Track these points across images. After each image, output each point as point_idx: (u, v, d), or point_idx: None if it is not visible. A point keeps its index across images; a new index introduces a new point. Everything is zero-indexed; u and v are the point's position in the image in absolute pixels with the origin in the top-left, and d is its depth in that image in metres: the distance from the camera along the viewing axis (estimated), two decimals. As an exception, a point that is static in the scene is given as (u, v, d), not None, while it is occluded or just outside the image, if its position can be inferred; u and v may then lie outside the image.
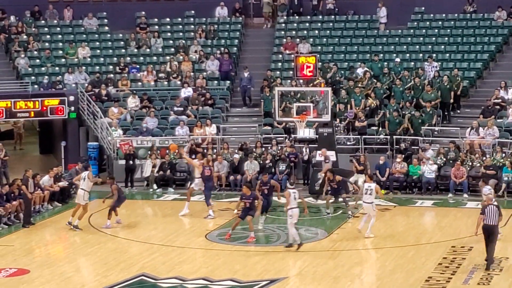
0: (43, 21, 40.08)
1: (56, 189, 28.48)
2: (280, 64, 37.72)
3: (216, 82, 36.98)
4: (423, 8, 39.36)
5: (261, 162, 31.04)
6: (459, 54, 36.95)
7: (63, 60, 37.77)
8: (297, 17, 40.24)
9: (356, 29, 39.18)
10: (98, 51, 38.61)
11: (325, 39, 38.81)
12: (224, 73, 37.14)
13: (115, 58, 37.95)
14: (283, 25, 39.90)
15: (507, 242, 22.55)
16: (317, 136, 31.62)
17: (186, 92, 35.63)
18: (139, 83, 36.68)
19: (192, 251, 22.99)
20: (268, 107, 34.07)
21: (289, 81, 35.72)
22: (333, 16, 39.99)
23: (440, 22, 38.61)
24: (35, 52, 37.77)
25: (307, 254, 22.20)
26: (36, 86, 35.58)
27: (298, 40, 38.29)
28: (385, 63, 36.19)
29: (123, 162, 31.83)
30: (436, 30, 38.21)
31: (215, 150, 32.33)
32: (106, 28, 39.97)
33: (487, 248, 20.58)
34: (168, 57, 37.85)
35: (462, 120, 33.41)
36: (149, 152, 32.07)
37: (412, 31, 38.44)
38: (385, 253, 22.60)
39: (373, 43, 38.26)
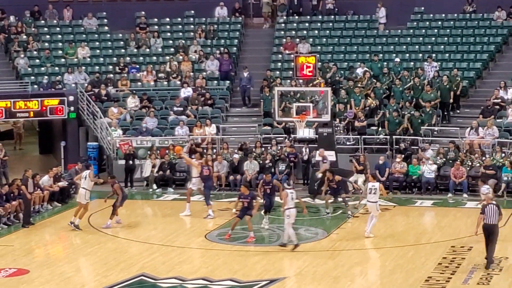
0: (42, 21, 40.08)
1: (55, 189, 28.48)
2: (279, 64, 37.72)
3: (215, 82, 36.98)
4: (422, 8, 39.35)
5: (261, 162, 31.05)
6: (458, 54, 36.95)
7: (63, 60, 37.76)
8: (296, 17, 40.23)
9: (356, 29, 39.18)
10: (98, 51, 38.60)
11: (324, 39, 38.81)
12: (224, 73, 37.14)
13: (115, 58, 37.94)
14: (283, 25, 39.90)
15: (507, 242, 22.55)
16: (317, 136, 31.62)
17: (186, 92, 35.63)
18: (139, 83, 36.68)
19: (192, 251, 23.00)
20: (268, 107, 34.07)
21: (288, 81, 35.72)
22: (332, 16, 39.99)
23: (439, 22, 38.61)
24: (35, 52, 37.77)
25: (307, 254, 22.20)
26: (35, 86, 35.57)
27: (297, 40, 38.29)
28: (385, 63, 36.19)
29: (122, 162, 31.83)
30: (436, 30, 38.21)
31: (214, 150, 32.34)
32: (106, 28, 39.97)
33: (487, 248, 20.59)
34: (167, 57, 37.85)
35: (461, 120, 33.42)
36: (148, 152, 32.07)
37: (411, 31, 38.44)
38: (385, 253, 22.61)
39: (373, 43, 38.26)
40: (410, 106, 32.94)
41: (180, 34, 39.77)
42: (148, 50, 38.48)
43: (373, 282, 20.14)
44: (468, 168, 29.71)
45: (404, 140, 31.68)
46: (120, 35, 39.50)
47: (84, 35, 39.34)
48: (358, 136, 32.18)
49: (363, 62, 36.18)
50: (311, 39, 38.50)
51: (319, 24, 39.68)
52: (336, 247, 22.96)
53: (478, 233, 20.69)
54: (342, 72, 36.24)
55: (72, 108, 34.25)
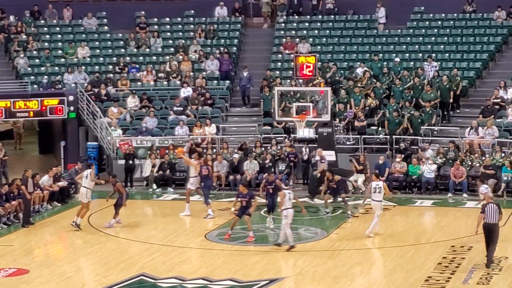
0: (42, 21, 40.07)
1: (55, 189, 28.48)
2: (279, 64, 37.72)
3: (215, 82, 36.98)
4: (422, 8, 39.35)
5: (261, 162, 31.05)
6: (458, 54, 36.95)
7: (63, 60, 37.76)
8: (296, 17, 40.23)
9: (356, 29, 39.17)
10: (98, 51, 38.60)
11: (324, 39, 38.81)
12: (224, 73, 37.14)
13: (115, 58, 37.94)
14: (283, 25, 39.90)
15: (507, 242, 22.55)
16: (317, 136, 31.62)
17: (186, 92, 35.63)
18: (139, 83, 36.67)
19: (192, 251, 23.00)
20: (268, 107, 34.07)
21: (288, 81, 35.72)
22: (332, 16, 39.99)
23: (439, 22, 38.61)
24: (35, 52, 37.77)
25: (306, 254, 22.20)
26: (35, 86, 35.57)
27: (297, 40, 38.29)
28: (385, 63, 36.18)
29: (122, 162, 31.84)
30: (436, 30, 38.21)
31: (214, 150, 32.34)
32: (106, 28, 39.97)
33: (488, 247, 20.58)
34: (167, 57, 37.84)
35: (461, 120, 33.42)
36: (148, 152, 32.07)
37: (411, 31, 38.44)
38: (384, 253, 22.62)
39: (373, 42, 38.26)
40: (410, 106, 32.94)
41: (180, 34, 39.77)
42: (148, 50, 38.48)
43: (373, 282, 20.13)
44: (468, 168, 29.71)
45: (404, 140, 31.68)
46: (120, 35, 39.49)
47: (84, 35, 39.34)
48: (358, 136, 32.18)
49: (363, 62, 36.19)
50: (311, 39, 38.50)
51: (319, 24, 39.68)
52: (336, 247, 22.96)
53: (478, 233, 20.70)
54: (342, 72, 36.24)
55: (72, 108, 34.25)
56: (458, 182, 29.43)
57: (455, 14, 38.75)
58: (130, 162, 31.55)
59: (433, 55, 36.30)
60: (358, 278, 20.33)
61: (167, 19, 40.28)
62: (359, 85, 34.28)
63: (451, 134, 32.06)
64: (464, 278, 19.81)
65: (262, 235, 24.12)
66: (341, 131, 32.82)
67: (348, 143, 32.60)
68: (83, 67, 36.96)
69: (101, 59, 38.08)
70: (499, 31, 37.50)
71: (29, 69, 36.79)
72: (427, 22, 38.70)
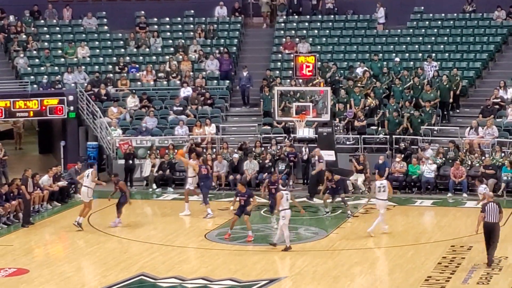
0: (42, 21, 40.07)
1: (55, 188, 28.48)
2: (279, 63, 37.72)
3: (215, 81, 36.98)
4: (422, 7, 39.35)
5: (261, 161, 31.05)
6: (458, 53, 36.96)
7: (62, 59, 37.76)
8: (296, 16, 40.24)
9: (356, 28, 39.18)
10: (98, 50, 38.60)
11: (324, 39, 38.82)
12: (224, 73, 37.14)
13: (115, 58, 37.94)
14: (283, 24, 39.90)
15: (507, 242, 22.54)
16: (317, 135, 31.61)
17: (186, 91, 35.63)
18: (139, 83, 36.67)
19: (192, 251, 22.99)
20: (268, 107, 34.06)
21: (288, 80, 35.73)
22: (332, 16, 39.99)
23: (439, 22, 38.62)
24: (34, 52, 37.76)
25: (306, 254, 22.20)
26: (35, 85, 35.56)
27: (297, 39, 38.29)
28: (385, 62, 36.19)
29: (122, 161, 31.84)
30: (436, 30, 38.22)
31: (214, 150, 32.34)
32: (106, 27, 39.96)
33: (488, 246, 20.57)
34: (167, 57, 37.85)
35: (461, 119, 33.43)
36: (148, 151, 32.08)
37: (411, 30, 38.45)
38: (384, 253, 22.63)
39: (373, 42, 38.26)
40: (410, 105, 32.94)
41: (180, 33, 39.77)
42: (147, 49, 38.48)
43: (372, 282, 20.13)
44: (467, 168, 29.71)
45: (404, 140, 31.68)
46: (120, 34, 39.49)
47: (83, 35, 39.33)
48: (358, 136, 32.18)
49: (363, 62, 36.19)
50: (310, 39, 38.50)
51: (318, 24, 39.68)
52: (336, 247, 22.96)
53: (478, 232, 20.70)
54: (341, 71, 36.24)
55: (71, 108, 34.25)
56: (458, 182, 29.43)
57: (455, 14, 38.76)
58: (130, 162, 31.55)
59: (433, 55, 36.31)
60: (358, 278, 20.33)
61: (167, 19, 40.28)
62: (359, 85, 34.28)
63: (451, 134, 32.06)
64: (464, 278, 19.81)
65: (262, 235, 24.10)
66: (341, 131, 32.82)
67: (348, 143, 32.61)
68: (83, 67, 36.96)
69: (101, 59, 38.08)
70: (499, 31, 37.51)
71: (29, 69, 36.79)
72: (427, 22, 38.71)
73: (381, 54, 37.04)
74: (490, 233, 20.49)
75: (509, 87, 33.80)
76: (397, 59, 36.30)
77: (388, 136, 32.00)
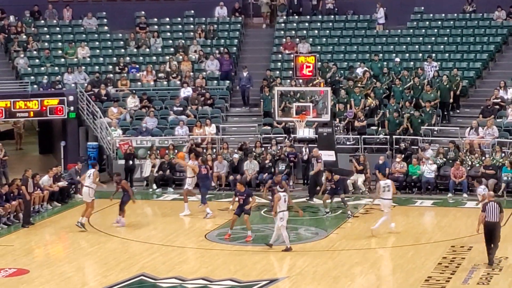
0: (42, 21, 40.07)
1: (55, 189, 28.48)
2: (279, 64, 37.72)
3: (215, 82, 36.98)
4: (422, 8, 39.36)
5: (261, 162, 31.04)
6: (458, 54, 36.96)
7: (63, 60, 37.76)
8: (296, 17, 40.25)
9: (356, 29, 39.19)
10: (98, 51, 38.60)
11: (324, 39, 38.82)
12: (224, 73, 37.15)
13: (115, 58, 37.95)
14: (283, 25, 39.91)
15: (507, 242, 22.51)
16: (317, 136, 31.62)
17: (186, 92, 35.63)
18: (139, 83, 36.67)
19: (192, 251, 22.99)
20: (268, 107, 34.07)
21: (288, 81, 35.73)
22: (332, 16, 40.00)
23: (439, 22, 38.62)
24: (35, 52, 37.77)
25: (306, 254, 22.20)
26: (35, 86, 35.57)
27: (297, 40, 38.29)
28: (385, 63, 36.20)
29: (122, 162, 31.84)
30: (436, 30, 38.22)
31: (214, 150, 32.34)
32: (106, 28, 39.97)
33: (488, 246, 20.57)
34: (167, 57, 37.85)
35: (461, 120, 33.43)
36: (148, 152, 32.08)
37: (411, 31, 38.45)
38: (384, 253, 22.63)
39: (373, 43, 38.27)
40: (410, 106, 32.93)
41: (180, 34, 39.78)
42: (148, 50, 38.49)
43: (373, 282, 20.13)
44: (468, 168, 29.71)
45: (404, 140, 31.67)
46: (120, 35, 39.50)
47: (84, 35, 39.34)
48: (358, 136, 32.17)
49: (363, 62, 36.19)
50: (311, 39, 38.51)
51: (319, 24, 39.69)
52: (336, 247, 22.96)
53: (479, 231, 20.72)
54: (342, 72, 36.24)
55: (72, 108, 34.25)
56: (458, 182, 29.43)
57: (455, 14, 38.76)
58: (130, 162, 31.55)
59: (433, 55, 36.30)
60: (358, 278, 20.33)
61: (167, 19, 40.29)
62: (359, 85, 34.28)
63: (451, 134, 32.06)
64: (464, 278, 19.81)
65: (263, 235, 24.09)
66: (341, 131, 32.82)
67: (348, 143, 32.60)
68: (83, 67, 36.97)
69: (101, 59, 38.08)
70: (499, 31, 37.51)
71: (29, 69, 36.80)
72: (427, 22, 38.71)
73: (381, 54, 37.05)
74: (491, 233, 20.50)
75: (509, 87, 33.80)
76: (397, 59, 36.31)
77: (388, 136, 32.00)
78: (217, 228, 25.17)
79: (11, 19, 39.43)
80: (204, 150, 31.82)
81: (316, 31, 39.26)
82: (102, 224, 25.54)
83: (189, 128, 33.37)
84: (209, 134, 33.01)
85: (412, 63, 36.51)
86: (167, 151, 32.01)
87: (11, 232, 25.27)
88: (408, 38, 38.09)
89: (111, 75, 36.75)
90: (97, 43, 39.00)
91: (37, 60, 37.45)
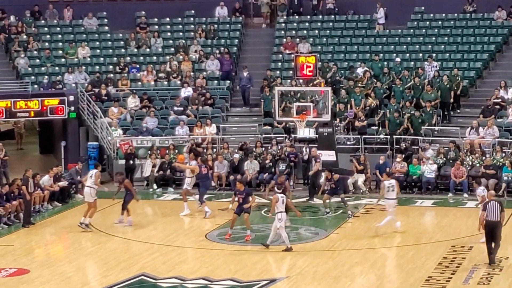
0: (43, 21, 40.09)
1: (56, 189, 28.48)
2: (280, 63, 37.73)
3: (216, 82, 36.99)
4: (423, 8, 39.37)
5: (261, 162, 31.04)
6: (459, 53, 36.96)
7: (63, 60, 37.78)
8: (297, 17, 40.27)
9: (356, 28, 39.20)
10: (98, 51, 38.61)
11: (325, 39, 38.83)
12: (225, 73, 37.16)
13: (115, 58, 37.95)
14: (283, 25, 39.92)
15: (507, 242, 22.49)
16: (317, 135, 31.62)
17: (186, 92, 35.63)
18: (139, 83, 36.68)
19: (192, 251, 22.99)
20: (268, 107, 34.07)
21: (289, 80, 35.73)
22: (333, 16, 40.01)
23: (440, 22, 38.63)
24: (35, 52, 37.78)
25: (307, 254, 22.20)
26: (36, 86, 35.58)
27: (298, 40, 38.31)
28: (385, 62, 36.20)
29: (123, 162, 31.84)
30: (436, 30, 38.22)
31: (215, 150, 32.34)
32: (106, 28, 39.99)
33: (489, 245, 20.56)
34: (168, 57, 37.87)
35: (462, 119, 33.42)
36: (149, 152, 32.08)
37: (412, 30, 38.46)
38: (385, 253, 22.62)
39: (373, 42, 38.28)
40: (411, 106, 32.93)
41: (181, 34, 39.79)
42: (148, 50, 38.50)
43: (373, 282, 20.12)
44: (468, 168, 29.70)
45: (405, 140, 31.67)
46: (121, 35, 39.51)
47: (84, 35, 39.35)
48: (359, 136, 32.17)
49: (364, 62, 36.19)
50: (311, 39, 38.52)
51: (319, 24, 39.70)
52: (336, 247, 22.96)
53: (481, 230, 20.73)
54: (342, 71, 36.25)
55: (72, 108, 34.26)
56: (458, 182, 29.43)
57: (456, 14, 38.78)
58: (131, 162, 31.56)
59: (434, 55, 36.31)
60: (358, 278, 20.33)
61: (168, 19, 40.31)
62: (359, 85, 34.28)
63: (452, 134, 32.05)
64: (464, 278, 19.80)
65: (263, 235, 24.07)
66: (342, 131, 32.82)
67: (348, 143, 32.60)
68: (84, 67, 36.97)
69: (102, 59, 38.09)
70: (499, 31, 37.52)
71: (30, 69, 36.80)
72: (428, 22, 38.72)
73: (381, 54, 37.06)
74: (492, 232, 20.50)
75: (510, 87, 33.80)
76: (398, 59, 36.31)
77: (388, 136, 31.99)
78: (217, 228, 25.16)
79: (11, 19, 39.44)
80: (205, 150, 31.83)
81: (316, 31, 39.27)
82: (102, 224, 25.53)
83: (190, 128, 33.37)
84: (210, 134, 33.02)
85: (412, 63, 36.52)
86: (167, 151, 32.01)
87: (12, 232, 25.27)
88: (409, 38, 38.10)
89: (112, 75, 36.76)
90: (97, 43, 39.02)
91: (37, 60, 37.46)
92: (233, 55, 38.22)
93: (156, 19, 40.19)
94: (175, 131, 33.44)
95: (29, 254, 22.76)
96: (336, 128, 32.24)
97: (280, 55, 38.06)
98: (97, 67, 37.57)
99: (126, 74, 36.85)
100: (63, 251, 23.71)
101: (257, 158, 31.20)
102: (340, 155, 30.86)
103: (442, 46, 37.45)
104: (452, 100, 33.71)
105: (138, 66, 37.39)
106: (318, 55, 35.56)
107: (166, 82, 36.71)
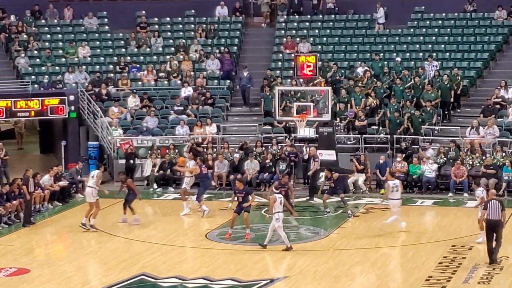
0: (43, 21, 40.09)
1: (56, 188, 28.49)
2: (280, 63, 37.73)
3: (216, 81, 37.00)
4: (423, 7, 39.37)
5: (261, 161, 31.04)
6: (459, 53, 36.96)
7: (63, 59, 37.77)
8: (297, 16, 40.27)
9: (356, 28, 39.20)
10: (98, 50, 38.62)
11: (325, 39, 38.83)
12: (225, 73, 37.16)
13: (115, 58, 37.95)
14: (283, 24, 39.92)
15: (507, 242, 22.49)
16: (317, 135, 31.61)
17: (186, 91, 35.63)
18: (139, 83, 36.68)
19: (192, 251, 23.00)
20: (268, 107, 34.07)
21: (289, 80, 35.73)
22: (333, 16, 40.02)
23: (440, 21, 38.64)
24: (35, 52, 37.78)
25: (307, 254, 22.20)
26: (36, 85, 35.58)
27: (298, 39, 38.31)
28: (385, 62, 36.20)
29: (123, 161, 31.85)
30: (436, 29, 38.23)
31: (215, 150, 32.34)
32: (106, 27, 39.99)
33: (489, 244, 20.56)
34: (168, 57, 37.87)
35: (462, 119, 33.42)
36: (149, 151, 32.08)
37: (412, 30, 38.47)
38: (385, 253, 22.62)
39: (373, 42, 38.28)
40: (411, 105, 32.93)
41: (181, 33, 39.79)
42: (148, 49, 38.50)
43: (373, 282, 20.12)
44: (468, 168, 29.71)
45: (405, 140, 31.67)
46: (121, 34, 39.52)
47: (84, 35, 39.35)
48: (359, 136, 32.17)
49: (364, 61, 36.20)
50: (311, 39, 38.52)
51: (319, 24, 39.70)
52: (337, 247, 22.96)
53: (482, 229, 20.73)
54: (342, 71, 36.25)
55: (72, 108, 34.26)
56: (458, 181, 29.43)
57: (456, 14, 38.79)
58: (131, 161, 31.58)
59: (434, 54, 36.32)
60: (358, 278, 20.33)
61: (168, 18, 40.31)
62: (359, 84, 34.28)
63: (452, 134, 32.05)
64: (465, 278, 19.80)
65: (263, 235, 24.05)
66: (342, 130, 32.81)
67: (348, 142, 32.59)
68: (84, 67, 36.97)
69: (102, 58, 38.09)
70: (499, 30, 37.52)
71: (30, 68, 36.81)
72: (428, 22, 38.73)
73: (382, 54, 37.06)
74: (493, 230, 20.51)
75: (510, 86, 33.80)
76: (398, 59, 36.31)
77: (389, 136, 31.99)
78: (218, 228, 25.16)
79: (11, 18, 39.44)
80: (205, 150, 31.83)
81: (316, 31, 39.27)
82: (102, 224, 25.52)
83: (190, 128, 33.37)
84: (210, 133, 33.02)
85: (412, 62, 36.52)
86: (167, 151, 32.01)
87: (12, 231, 25.28)
88: (409, 38, 38.10)
89: (112, 75, 36.76)
90: (97, 42, 39.02)
91: (37, 60, 37.46)
92: (233, 54, 38.22)
93: (156, 19, 40.19)
94: (175, 130, 33.44)
95: (29, 253, 22.77)
96: (336, 128, 32.24)
97: (280, 55, 38.06)
98: (98, 66, 37.57)
99: (126, 74, 36.85)
100: (64, 250, 23.72)
101: (257, 158, 31.20)
102: (340, 155, 30.85)
103: (442, 46, 37.44)
104: (452, 100, 33.71)
105: (138, 65, 37.40)
106: (318, 55, 35.57)
107: (166, 82, 36.72)
